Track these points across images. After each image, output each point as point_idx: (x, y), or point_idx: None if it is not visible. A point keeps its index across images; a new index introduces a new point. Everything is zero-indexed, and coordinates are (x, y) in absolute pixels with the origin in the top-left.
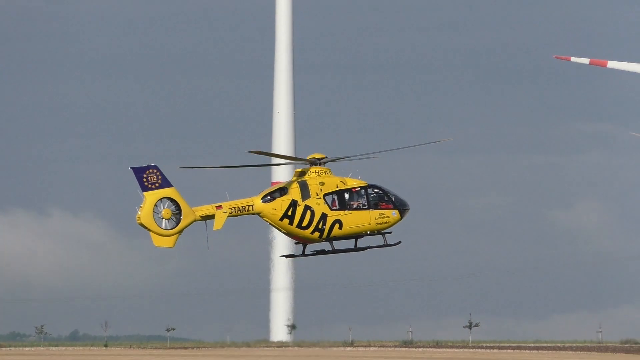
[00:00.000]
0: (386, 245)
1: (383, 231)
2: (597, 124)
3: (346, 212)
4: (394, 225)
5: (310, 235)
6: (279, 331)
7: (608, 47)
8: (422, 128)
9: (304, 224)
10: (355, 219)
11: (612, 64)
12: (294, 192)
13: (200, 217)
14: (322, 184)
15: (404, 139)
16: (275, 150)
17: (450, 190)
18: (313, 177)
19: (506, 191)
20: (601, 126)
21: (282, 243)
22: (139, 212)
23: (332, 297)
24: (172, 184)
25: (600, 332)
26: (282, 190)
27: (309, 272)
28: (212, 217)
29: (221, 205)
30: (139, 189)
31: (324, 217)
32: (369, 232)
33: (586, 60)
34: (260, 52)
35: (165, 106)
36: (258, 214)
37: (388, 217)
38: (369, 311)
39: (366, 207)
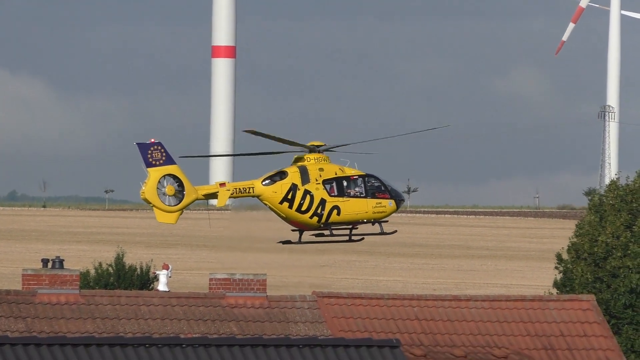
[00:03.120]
0: (383, 233)
1: (380, 220)
2: None
3: (344, 199)
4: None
5: (309, 219)
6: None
7: None
8: None
9: (303, 208)
10: (353, 207)
11: None
12: (294, 176)
13: (203, 195)
14: (321, 170)
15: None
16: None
17: (391, 55)
18: (312, 164)
19: (446, 57)
20: None
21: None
22: (143, 187)
23: (272, 160)
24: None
25: (538, 197)
26: (282, 174)
27: (250, 138)
28: (214, 195)
29: (224, 183)
30: (143, 164)
31: (322, 202)
32: (365, 221)
33: None
34: None
35: None
36: (258, 196)
37: (385, 206)
38: None
39: (364, 195)
